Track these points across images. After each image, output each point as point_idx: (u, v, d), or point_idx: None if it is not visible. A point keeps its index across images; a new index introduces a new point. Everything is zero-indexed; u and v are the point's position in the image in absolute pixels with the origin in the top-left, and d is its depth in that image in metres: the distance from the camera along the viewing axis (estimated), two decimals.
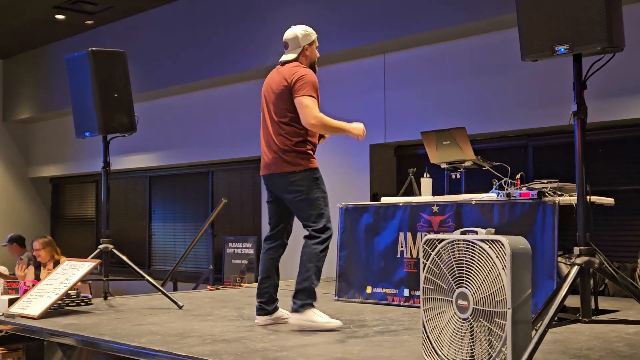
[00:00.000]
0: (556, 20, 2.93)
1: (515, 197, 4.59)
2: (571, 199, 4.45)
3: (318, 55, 4.35)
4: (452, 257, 2.93)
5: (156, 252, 11.03)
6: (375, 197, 7.14)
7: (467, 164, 5.33)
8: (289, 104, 4.11)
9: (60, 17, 9.94)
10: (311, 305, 4.02)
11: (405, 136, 7.41)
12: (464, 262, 2.87)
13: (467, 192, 5.28)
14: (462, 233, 2.95)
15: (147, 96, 10.14)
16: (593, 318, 3.10)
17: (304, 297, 4.01)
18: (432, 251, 3.01)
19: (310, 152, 4.14)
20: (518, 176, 5.00)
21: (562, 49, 2.90)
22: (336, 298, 5.46)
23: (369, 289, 5.33)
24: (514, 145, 7.00)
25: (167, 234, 10.86)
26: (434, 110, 7.16)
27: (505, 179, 5.00)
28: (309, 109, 4.03)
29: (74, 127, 5.32)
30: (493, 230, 2.86)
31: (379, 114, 7.57)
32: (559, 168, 6.43)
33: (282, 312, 4.23)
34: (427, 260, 3.04)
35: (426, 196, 5.40)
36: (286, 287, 4.50)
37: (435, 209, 4.99)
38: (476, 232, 2.89)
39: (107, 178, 5.31)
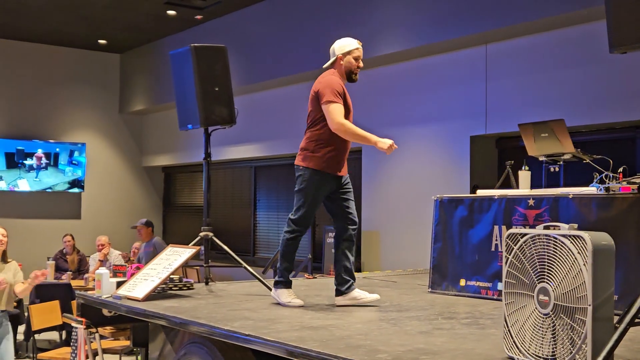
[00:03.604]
0: None
1: (614, 191, 4.45)
2: None
3: (359, 65, 4.69)
4: (534, 251, 2.90)
5: (260, 240, 11.35)
6: (475, 189, 7.08)
7: (567, 157, 5.20)
8: (316, 110, 4.59)
9: (171, 12, 10.35)
10: (283, 285, 4.73)
11: (506, 127, 7.27)
12: (546, 257, 2.84)
13: (565, 185, 5.16)
14: (545, 228, 2.91)
15: (253, 88, 10.43)
16: None
17: (277, 277, 4.78)
18: (515, 245, 2.99)
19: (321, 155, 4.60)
20: (620, 169, 4.83)
21: None
22: (430, 290, 5.47)
23: (462, 282, 5.31)
24: (621, 138, 6.75)
25: (271, 222, 11.14)
26: (536, 101, 7.00)
27: (606, 173, 4.84)
28: (332, 114, 4.47)
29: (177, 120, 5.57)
30: (576, 225, 2.81)
31: (480, 105, 7.48)
32: None
33: (359, 292, 4.66)
34: (509, 255, 3.02)
35: (523, 189, 5.32)
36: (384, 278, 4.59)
37: (531, 202, 4.90)
38: (559, 227, 2.85)
39: (208, 169, 5.52)
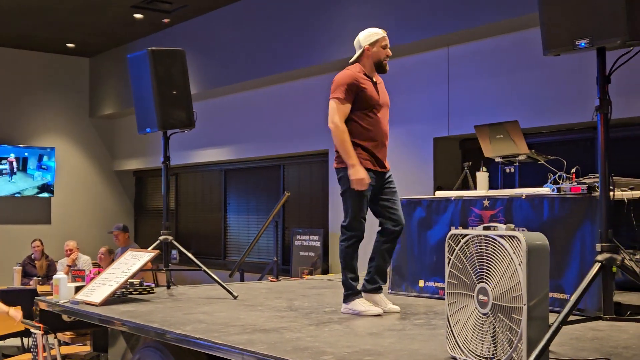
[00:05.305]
0: (577, 14, 2.87)
1: (565, 191, 4.51)
2: (623, 194, 4.35)
3: (387, 53, 4.50)
4: (474, 252, 2.94)
5: (231, 243, 11.34)
6: (439, 190, 7.13)
7: (521, 157, 5.27)
8: None
9: (138, 16, 10.33)
10: (353, 296, 4.38)
11: (469, 129, 7.30)
12: (485, 257, 2.88)
13: (521, 186, 5.22)
14: (485, 228, 2.96)
15: (223, 91, 10.43)
16: (615, 316, 3.05)
17: (344, 291, 4.44)
18: (456, 246, 3.03)
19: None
20: (573, 170, 4.90)
21: (583, 44, 2.85)
22: (390, 291, 5.50)
23: (421, 283, 5.35)
24: (580, 138, 6.83)
25: (241, 225, 11.14)
26: (499, 103, 7.07)
27: (560, 173, 4.91)
28: (331, 112, 4.37)
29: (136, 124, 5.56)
30: (513, 225, 2.85)
31: (443, 107, 7.53)
32: (627, 161, 6.24)
33: (383, 298, 4.54)
34: (451, 255, 3.06)
35: (481, 190, 5.37)
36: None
37: (486, 203, 4.95)
38: (497, 228, 2.89)
39: (167, 172, 5.55)
